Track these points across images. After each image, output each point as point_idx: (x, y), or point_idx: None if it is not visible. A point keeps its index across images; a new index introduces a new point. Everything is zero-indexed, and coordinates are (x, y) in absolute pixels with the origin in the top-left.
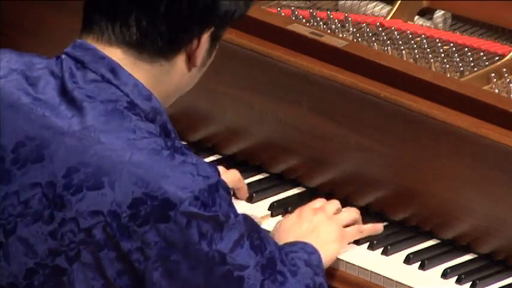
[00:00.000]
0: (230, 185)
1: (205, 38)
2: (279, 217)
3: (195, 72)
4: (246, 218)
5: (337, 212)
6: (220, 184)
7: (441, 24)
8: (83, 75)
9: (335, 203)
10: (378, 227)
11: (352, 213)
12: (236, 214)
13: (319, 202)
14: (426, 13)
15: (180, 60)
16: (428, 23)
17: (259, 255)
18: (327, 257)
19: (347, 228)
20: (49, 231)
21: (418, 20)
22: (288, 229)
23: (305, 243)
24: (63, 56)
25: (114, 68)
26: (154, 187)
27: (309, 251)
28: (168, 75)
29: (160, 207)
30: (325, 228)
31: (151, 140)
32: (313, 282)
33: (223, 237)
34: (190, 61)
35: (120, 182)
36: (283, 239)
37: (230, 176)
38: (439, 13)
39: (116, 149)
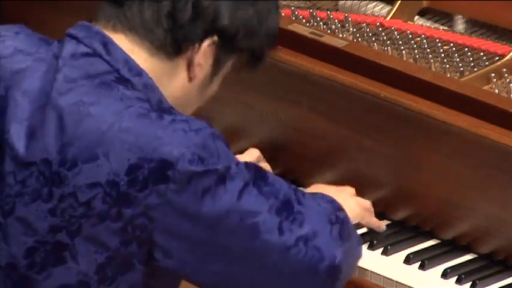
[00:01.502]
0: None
1: (206, 46)
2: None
3: (194, 90)
4: (248, 165)
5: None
6: (215, 134)
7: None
8: (75, 50)
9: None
10: (381, 225)
11: (367, 201)
12: (237, 162)
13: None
14: (426, 13)
15: (181, 66)
16: (428, 23)
17: (271, 199)
18: (348, 210)
19: (366, 202)
20: (48, 209)
21: (418, 20)
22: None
23: (325, 195)
24: (66, 38)
25: (106, 43)
26: (149, 150)
27: (329, 200)
28: (168, 78)
29: (158, 168)
30: (346, 197)
31: (138, 105)
32: (335, 217)
33: (227, 189)
34: (190, 69)
35: (114, 151)
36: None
37: (248, 157)
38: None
39: (105, 120)
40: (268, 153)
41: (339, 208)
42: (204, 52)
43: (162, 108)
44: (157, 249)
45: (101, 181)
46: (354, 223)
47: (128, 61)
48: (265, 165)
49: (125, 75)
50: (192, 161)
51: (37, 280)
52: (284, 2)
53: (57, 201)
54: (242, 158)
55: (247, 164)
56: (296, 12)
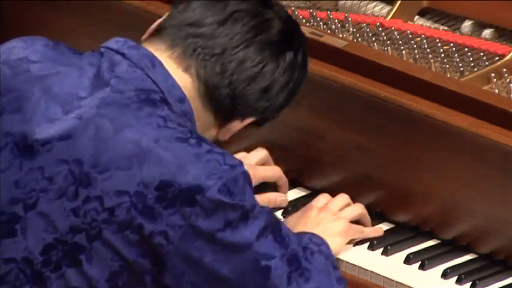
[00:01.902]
0: (260, 162)
1: (239, 123)
2: (280, 217)
3: (213, 134)
4: (270, 212)
5: (344, 206)
6: (246, 175)
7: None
8: (122, 65)
9: (340, 200)
10: (378, 230)
11: (356, 208)
12: (261, 205)
13: (323, 199)
14: (426, 13)
15: (216, 125)
16: (428, 23)
17: (283, 249)
18: (334, 248)
19: (352, 225)
20: (72, 208)
21: (418, 20)
22: (293, 225)
23: (312, 234)
24: (103, 49)
25: (155, 64)
26: (182, 171)
27: (318, 243)
28: (199, 119)
29: (187, 190)
30: (329, 223)
31: (180, 129)
32: (337, 279)
33: (249, 226)
34: (219, 130)
35: (149, 164)
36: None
37: (254, 157)
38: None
39: (146, 133)
40: (268, 153)
41: (335, 266)
42: (240, 126)
43: (201, 137)
44: (167, 272)
45: (129, 190)
46: (340, 252)
47: (174, 86)
48: (272, 167)
49: (167, 99)
50: (221, 191)
51: (50, 278)
52: (284, 2)
53: (81, 202)
54: (249, 156)
55: (269, 211)
56: (296, 12)
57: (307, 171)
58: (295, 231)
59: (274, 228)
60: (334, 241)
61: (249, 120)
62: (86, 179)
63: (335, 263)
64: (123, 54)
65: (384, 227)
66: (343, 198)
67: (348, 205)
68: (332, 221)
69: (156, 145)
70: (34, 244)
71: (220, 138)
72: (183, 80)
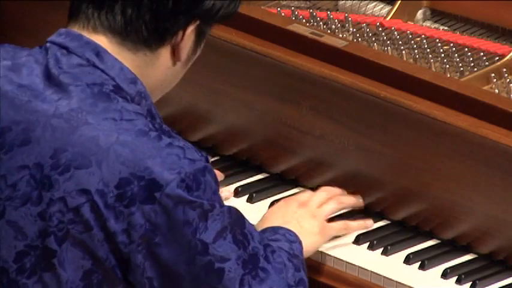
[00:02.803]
0: None
1: (190, 31)
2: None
3: (179, 67)
4: (231, 210)
5: (325, 201)
6: (207, 170)
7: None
8: (68, 60)
9: (319, 196)
10: (367, 224)
11: (332, 204)
12: (221, 204)
13: (305, 195)
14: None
15: (165, 53)
16: (428, 23)
17: (241, 249)
18: (307, 247)
19: (331, 224)
20: (38, 212)
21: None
22: (271, 220)
23: (288, 230)
24: (48, 44)
25: (99, 52)
26: (141, 167)
27: (290, 240)
28: (152, 68)
29: (146, 187)
30: (307, 222)
31: (139, 122)
32: (293, 280)
33: (208, 227)
34: (174, 55)
35: (108, 162)
36: (267, 224)
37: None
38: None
39: (104, 130)
40: (268, 153)
41: (297, 267)
42: (190, 35)
43: (162, 129)
44: (130, 269)
45: (90, 189)
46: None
47: (123, 69)
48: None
49: (120, 84)
50: (180, 186)
51: (26, 285)
52: (284, 2)
53: (46, 205)
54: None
55: (230, 209)
56: (296, 12)
57: (307, 171)
58: (272, 224)
59: (235, 227)
60: (309, 239)
61: (192, 26)
62: (48, 181)
63: (301, 263)
64: (66, 48)
65: (384, 227)
66: (322, 194)
67: (330, 199)
68: (308, 219)
69: (114, 141)
70: (7, 253)
71: (180, 60)
72: (101, 43)
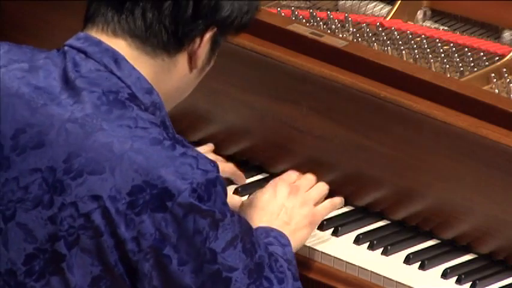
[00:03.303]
0: (228, 174)
1: (208, 38)
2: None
3: (193, 76)
4: (241, 219)
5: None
6: (219, 181)
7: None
8: (85, 64)
9: (308, 179)
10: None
11: (320, 188)
12: (232, 213)
13: (293, 174)
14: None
15: (182, 59)
16: (428, 23)
17: (248, 258)
18: (297, 241)
19: (319, 208)
20: (48, 216)
21: (419, 20)
22: (262, 207)
23: (279, 233)
24: (66, 48)
25: (117, 59)
26: (154, 175)
27: (282, 243)
28: (169, 74)
29: (159, 196)
30: (298, 213)
31: (153, 130)
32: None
33: (218, 237)
34: (191, 61)
35: (121, 168)
36: (256, 217)
37: (228, 166)
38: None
39: (118, 136)
40: (268, 153)
41: (295, 276)
42: (207, 41)
43: (176, 139)
44: (138, 277)
45: (102, 195)
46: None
47: (139, 78)
48: (241, 174)
49: (135, 93)
50: (192, 196)
51: None
52: (284, 2)
53: (57, 209)
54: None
55: (240, 218)
56: (296, 12)
57: (307, 171)
58: (266, 212)
59: (245, 236)
60: (300, 234)
61: (210, 33)
62: (60, 186)
63: (295, 270)
64: (85, 53)
65: (384, 227)
66: (310, 178)
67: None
68: (298, 211)
69: (128, 148)
70: (16, 255)
71: (197, 67)
72: (120, 47)
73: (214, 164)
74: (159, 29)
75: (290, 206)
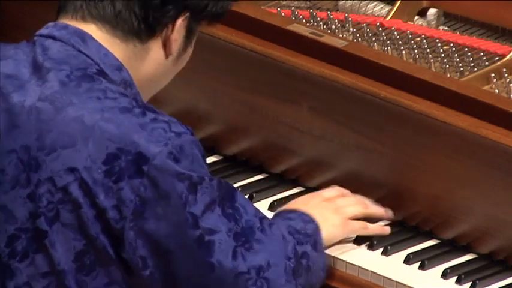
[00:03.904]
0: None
1: (180, 23)
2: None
3: (169, 64)
4: (221, 183)
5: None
6: (194, 143)
7: (434, 22)
8: (54, 47)
9: (349, 199)
10: (385, 229)
11: (358, 208)
12: (210, 177)
13: (333, 191)
14: (426, 13)
15: (155, 46)
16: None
17: (232, 222)
18: (327, 235)
19: (353, 221)
20: (27, 194)
21: (418, 20)
22: (295, 203)
23: (304, 212)
24: (36, 38)
25: (85, 38)
26: (127, 141)
27: (306, 220)
28: (142, 61)
29: (134, 161)
30: (328, 214)
31: (122, 99)
32: (293, 252)
33: (197, 200)
34: (165, 48)
35: (94, 138)
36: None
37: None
38: (432, 11)
39: (88, 108)
40: (268, 153)
41: (300, 241)
42: (179, 27)
43: (146, 106)
44: (123, 247)
45: (78, 166)
46: (333, 241)
47: (107, 55)
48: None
49: (104, 69)
50: (168, 158)
51: (19, 269)
52: (284, 2)
53: (34, 186)
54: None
55: (220, 181)
56: (296, 12)
57: (307, 171)
58: (289, 207)
59: (225, 200)
60: (329, 229)
61: (182, 18)
62: (35, 163)
63: (310, 240)
64: (53, 37)
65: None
66: (351, 198)
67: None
68: (330, 213)
69: (99, 118)
70: None
71: (172, 53)
72: (91, 31)
73: (188, 128)
74: (129, 16)
75: (323, 206)
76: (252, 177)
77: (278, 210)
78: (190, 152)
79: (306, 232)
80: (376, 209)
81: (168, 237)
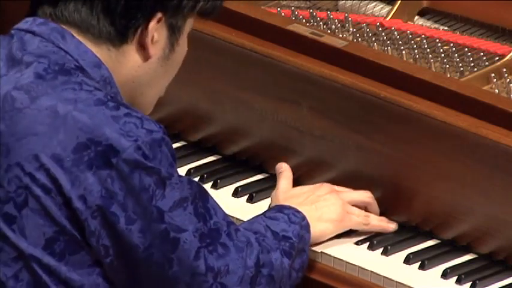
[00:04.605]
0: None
1: (153, 26)
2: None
3: (155, 64)
4: (191, 182)
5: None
6: (164, 142)
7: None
8: (33, 42)
9: (362, 193)
10: (388, 227)
11: (362, 195)
12: (180, 176)
13: (345, 189)
14: (426, 13)
15: (131, 50)
16: (428, 23)
17: (201, 222)
18: (316, 232)
19: (352, 213)
20: None
21: (418, 20)
22: (292, 197)
23: (295, 212)
24: (13, 31)
25: (64, 35)
26: (98, 133)
27: (292, 220)
28: (119, 65)
29: (103, 153)
30: (327, 206)
31: (98, 93)
32: (255, 261)
33: (165, 195)
34: (143, 51)
35: (65, 127)
36: (282, 201)
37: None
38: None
39: (62, 98)
40: (268, 153)
41: (270, 249)
42: (154, 30)
43: (120, 102)
44: (88, 235)
45: (47, 153)
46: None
47: (87, 52)
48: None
49: (83, 66)
50: (137, 153)
51: None
52: (284, 2)
53: (4, 171)
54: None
55: (190, 181)
56: (296, 12)
57: (307, 171)
58: (290, 203)
59: (197, 200)
60: (322, 226)
61: (154, 21)
62: (5, 148)
63: (284, 246)
64: (33, 32)
65: None
66: (364, 193)
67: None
68: (331, 203)
69: (72, 108)
70: None
71: (151, 56)
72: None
73: (160, 126)
74: (96, 22)
75: (325, 198)
76: (252, 177)
77: (273, 204)
78: (159, 150)
79: (285, 235)
80: (370, 197)
81: (131, 230)
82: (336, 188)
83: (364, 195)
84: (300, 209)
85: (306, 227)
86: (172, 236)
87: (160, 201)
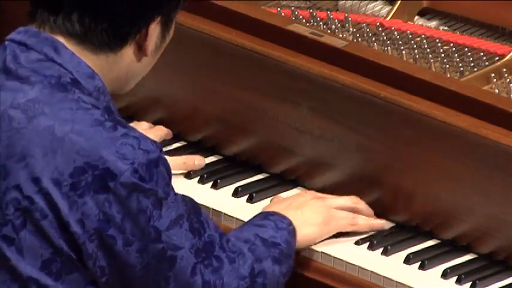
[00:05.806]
0: (159, 139)
1: (153, 27)
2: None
3: (149, 57)
4: (185, 199)
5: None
6: (161, 161)
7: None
8: (27, 56)
9: (345, 199)
10: (377, 224)
11: (347, 201)
12: (175, 193)
13: (330, 196)
14: (426, 13)
15: (128, 52)
16: (428, 23)
17: (196, 238)
18: (302, 237)
19: (339, 216)
20: None
21: (418, 20)
22: (276, 203)
23: (281, 218)
24: (7, 42)
25: (57, 47)
26: (96, 156)
27: (279, 227)
28: (115, 65)
29: (101, 177)
30: (312, 210)
31: (94, 111)
32: (249, 271)
33: (162, 215)
34: (141, 50)
35: (63, 150)
36: (266, 207)
37: (154, 134)
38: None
39: (59, 119)
40: (268, 153)
41: (260, 258)
42: (153, 31)
43: (117, 120)
44: (86, 257)
45: (45, 177)
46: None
47: (80, 63)
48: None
49: (78, 78)
50: (134, 176)
51: None
52: (284, 2)
53: (2, 193)
54: (148, 133)
55: (184, 197)
56: (296, 12)
57: (307, 171)
58: (274, 208)
59: (191, 215)
60: (308, 230)
61: (154, 23)
62: (4, 170)
63: (275, 253)
64: (25, 45)
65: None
66: (347, 199)
67: (349, 209)
68: (316, 207)
69: (69, 130)
70: None
71: (147, 55)
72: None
73: (157, 145)
74: (100, 31)
75: (309, 204)
76: (252, 177)
77: (261, 211)
78: (156, 171)
79: (274, 241)
80: (367, 208)
81: (128, 251)
82: (319, 195)
83: (350, 201)
84: (285, 215)
85: (293, 232)
86: (169, 254)
87: (157, 221)
